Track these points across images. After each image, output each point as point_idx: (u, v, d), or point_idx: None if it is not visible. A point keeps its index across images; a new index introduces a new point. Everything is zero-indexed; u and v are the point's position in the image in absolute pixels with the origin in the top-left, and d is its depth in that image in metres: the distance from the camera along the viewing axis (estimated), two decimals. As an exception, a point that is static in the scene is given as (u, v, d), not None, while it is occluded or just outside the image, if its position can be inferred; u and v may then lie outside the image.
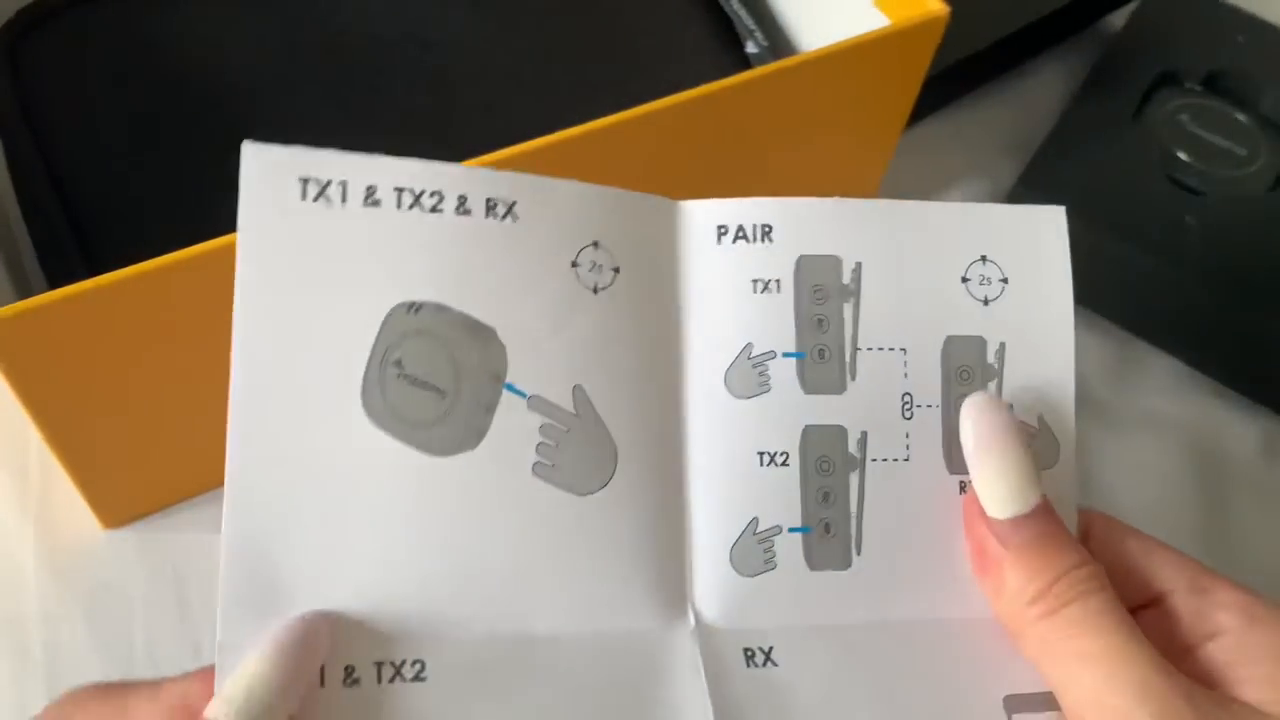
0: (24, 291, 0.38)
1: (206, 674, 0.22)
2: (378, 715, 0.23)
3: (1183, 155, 0.49)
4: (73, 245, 0.38)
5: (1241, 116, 0.51)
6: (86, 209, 0.39)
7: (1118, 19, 0.58)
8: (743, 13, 0.48)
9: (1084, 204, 0.47)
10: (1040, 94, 0.56)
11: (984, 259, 0.27)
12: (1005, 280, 0.27)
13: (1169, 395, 0.47)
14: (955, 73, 0.51)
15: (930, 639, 0.26)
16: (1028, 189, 0.47)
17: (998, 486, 0.25)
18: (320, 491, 0.23)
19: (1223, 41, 0.54)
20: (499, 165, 0.29)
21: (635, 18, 0.48)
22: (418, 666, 0.23)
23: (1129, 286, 0.47)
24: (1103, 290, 0.47)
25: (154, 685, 0.23)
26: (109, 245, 0.38)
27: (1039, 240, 0.27)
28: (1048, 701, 0.25)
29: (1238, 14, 0.56)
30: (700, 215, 0.27)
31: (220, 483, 0.43)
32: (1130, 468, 0.44)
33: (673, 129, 0.36)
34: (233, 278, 0.31)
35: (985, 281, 0.27)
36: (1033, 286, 0.27)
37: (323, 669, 0.23)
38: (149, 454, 0.36)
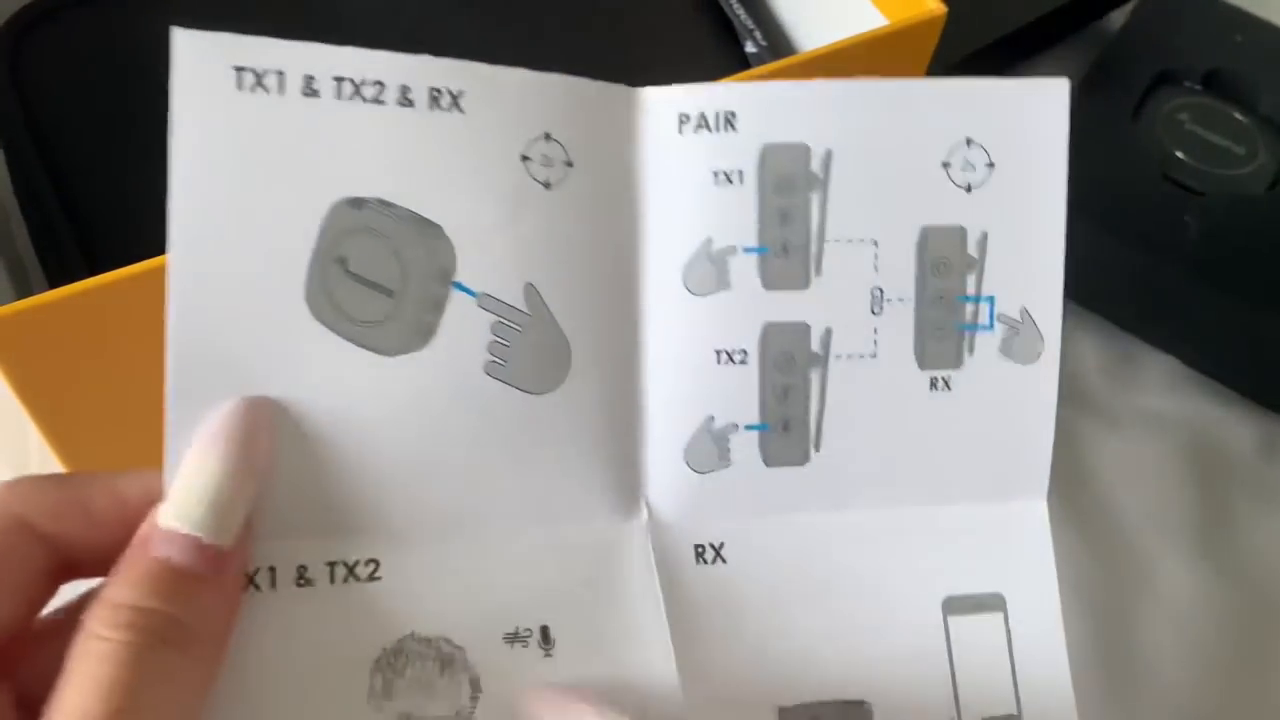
0: (24, 291, 0.38)
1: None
2: (332, 616, 0.23)
3: (1181, 155, 0.49)
4: (72, 245, 0.38)
5: (1240, 116, 0.51)
6: (86, 209, 0.39)
7: (1116, 19, 0.58)
8: (742, 13, 0.48)
9: (1083, 203, 0.47)
10: (1039, 94, 0.56)
11: (969, 141, 0.25)
12: (991, 165, 0.26)
13: (1168, 395, 0.47)
14: (954, 72, 0.51)
15: (879, 534, 0.26)
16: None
17: None
18: (265, 390, 0.22)
19: (1221, 41, 0.54)
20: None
21: (634, 18, 0.48)
22: (372, 566, 0.23)
23: (1128, 286, 0.47)
24: (1102, 290, 0.47)
25: (112, 476, 0.22)
26: (109, 245, 0.38)
27: (1036, 119, 0.26)
28: (986, 603, 0.25)
29: (1237, 14, 0.56)
30: (661, 103, 0.25)
31: (220, 482, 0.42)
32: (1129, 468, 0.44)
33: (672, 128, 0.36)
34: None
35: (968, 166, 0.26)
36: (1023, 170, 0.26)
37: (273, 569, 0.22)
38: (149, 454, 0.36)
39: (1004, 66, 0.56)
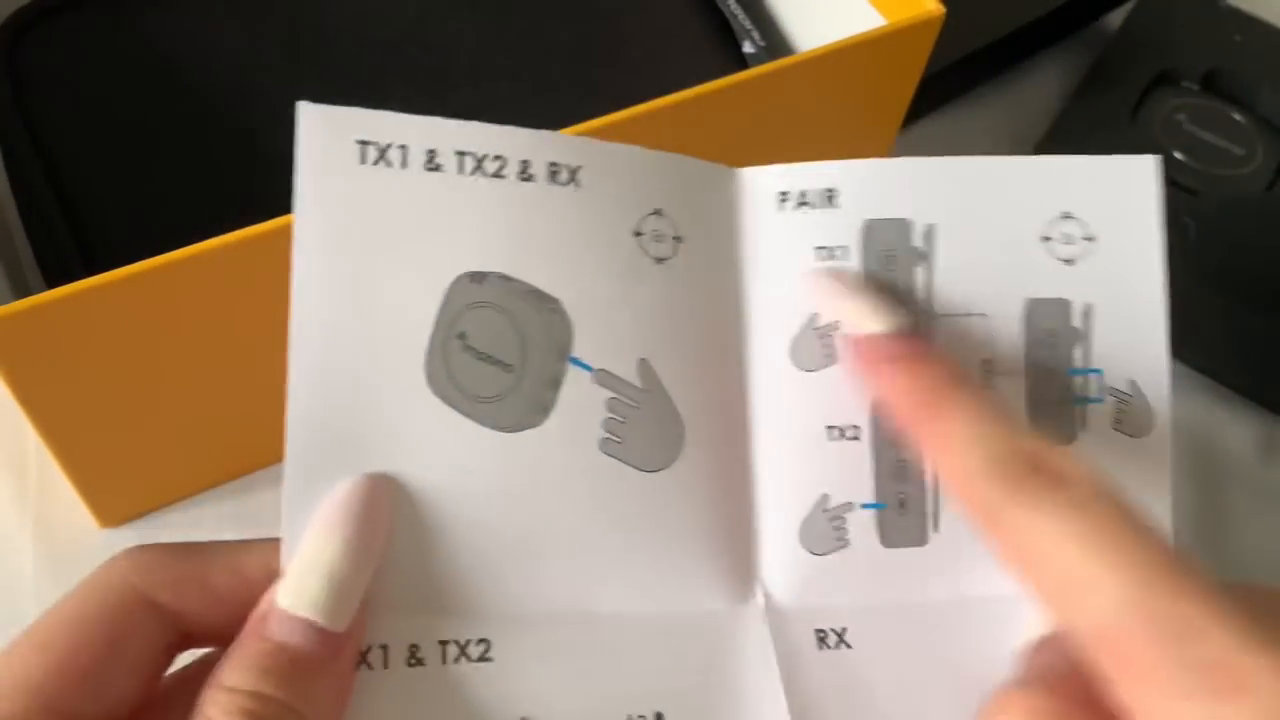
0: (21, 291, 0.38)
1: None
2: (443, 697, 0.22)
3: (1180, 155, 0.49)
4: (70, 244, 0.38)
5: (1239, 116, 0.51)
6: (84, 208, 0.39)
7: (1115, 19, 0.58)
8: (739, 12, 0.48)
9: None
10: (1037, 94, 0.56)
11: (1066, 216, 0.26)
12: (1090, 239, 0.26)
13: (1167, 395, 0.47)
14: (952, 72, 0.51)
15: (1007, 615, 0.25)
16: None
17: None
18: (383, 467, 0.22)
19: (1220, 41, 0.54)
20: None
21: (632, 18, 0.48)
22: (483, 646, 0.23)
23: (1127, 286, 0.47)
24: (1101, 290, 0.47)
25: (233, 549, 0.22)
26: (107, 245, 0.38)
27: (1127, 194, 0.26)
28: None
29: (1236, 14, 0.56)
30: (760, 181, 0.25)
31: (219, 482, 0.43)
32: (1128, 467, 0.44)
33: (669, 129, 0.36)
34: (230, 277, 0.31)
35: (1068, 240, 0.26)
36: (1120, 244, 0.26)
37: (385, 649, 0.22)
38: (147, 453, 0.36)
39: (1004, 66, 0.56)
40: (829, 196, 0.25)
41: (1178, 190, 0.48)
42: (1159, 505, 0.26)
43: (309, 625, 0.20)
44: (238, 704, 0.19)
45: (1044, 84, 0.56)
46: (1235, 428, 0.46)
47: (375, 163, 0.22)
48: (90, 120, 0.41)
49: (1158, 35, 0.54)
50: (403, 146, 0.22)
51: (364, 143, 0.22)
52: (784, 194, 0.25)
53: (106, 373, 0.32)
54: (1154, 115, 0.51)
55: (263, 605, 0.20)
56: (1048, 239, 0.25)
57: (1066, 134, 0.50)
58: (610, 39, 0.47)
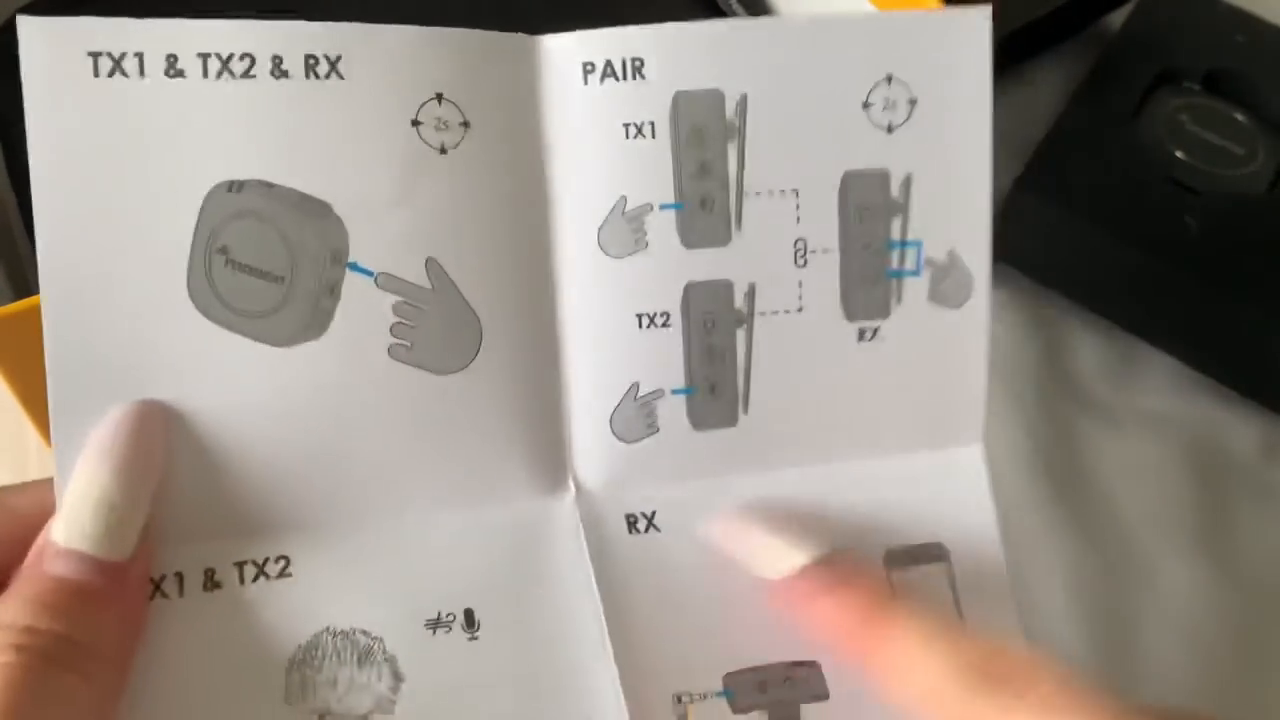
0: (21, 291, 0.38)
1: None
2: (243, 617, 0.22)
3: (1181, 155, 0.49)
4: (71, 245, 0.37)
5: (1240, 116, 0.51)
6: (85, 209, 0.38)
7: (1116, 19, 0.58)
8: (741, 12, 0.48)
9: (1083, 204, 0.47)
10: (1038, 94, 0.56)
11: (890, 79, 0.24)
12: (914, 101, 0.24)
13: (1169, 395, 0.47)
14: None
15: (814, 491, 0.25)
16: (1026, 189, 0.47)
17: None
18: (155, 393, 0.21)
19: (1222, 41, 0.54)
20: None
21: (633, 17, 0.48)
22: (282, 563, 0.22)
23: (1128, 286, 0.47)
24: (1102, 290, 0.47)
25: (7, 490, 0.21)
26: (107, 245, 0.38)
27: (958, 51, 0.25)
28: (930, 554, 0.25)
29: (1237, 14, 0.55)
30: (563, 52, 0.24)
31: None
32: (1130, 468, 0.44)
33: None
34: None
35: (890, 105, 0.24)
36: (946, 106, 0.25)
37: (180, 575, 0.22)
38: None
39: (1003, 67, 0.56)
40: (637, 67, 0.24)
41: (1179, 190, 0.48)
42: (977, 376, 0.26)
43: (85, 557, 0.19)
44: (10, 640, 0.19)
45: (1045, 85, 0.56)
46: (1236, 428, 0.46)
47: (110, 74, 0.21)
48: (91, 120, 0.41)
49: (1159, 35, 0.54)
50: (139, 54, 0.21)
51: (95, 54, 0.21)
52: (589, 65, 0.24)
53: (107, 373, 0.32)
54: (1155, 115, 0.51)
55: (39, 542, 0.20)
56: (868, 105, 0.24)
57: (1068, 135, 0.50)
58: (611, 39, 0.47)
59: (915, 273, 0.25)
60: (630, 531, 0.25)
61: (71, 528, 0.20)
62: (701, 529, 0.25)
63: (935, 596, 0.25)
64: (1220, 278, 0.45)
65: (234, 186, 0.21)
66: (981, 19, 0.24)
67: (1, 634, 0.19)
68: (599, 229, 0.24)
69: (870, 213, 0.25)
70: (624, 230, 0.24)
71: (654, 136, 0.24)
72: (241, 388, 0.22)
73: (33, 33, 0.20)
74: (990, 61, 0.25)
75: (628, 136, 0.24)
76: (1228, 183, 0.48)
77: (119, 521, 0.20)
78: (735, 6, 0.48)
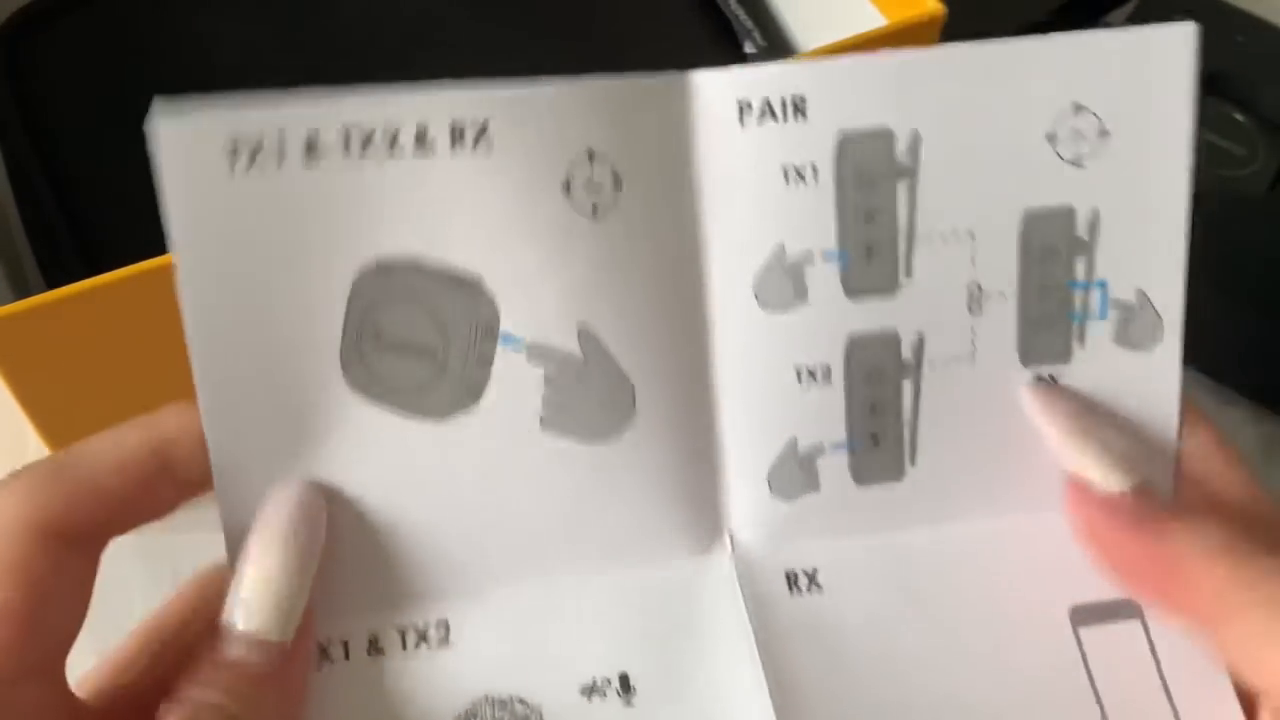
0: (22, 291, 0.38)
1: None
2: (405, 683, 0.22)
3: (1182, 155, 0.49)
4: (70, 245, 0.38)
5: (1240, 117, 0.51)
6: (85, 209, 0.39)
7: (1116, 20, 0.58)
8: (741, 13, 0.48)
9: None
10: (1039, 94, 0.56)
11: (1077, 108, 0.23)
12: (1105, 133, 0.22)
13: (1168, 395, 0.46)
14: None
15: (989, 546, 0.24)
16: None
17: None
18: (315, 474, 0.22)
19: (1222, 41, 0.54)
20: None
21: (633, 18, 0.48)
22: (443, 630, 0.22)
23: (1128, 286, 0.47)
24: (1102, 290, 0.47)
25: (108, 446, 0.22)
26: (107, 245, 0.38)
27: (1155, 75, 0.22)
28: (1120, 610, 0.23)
29: (1237, 14, 0.55)
30: (716, 91, 0.22)
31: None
32: (1129, 468, 0.44)
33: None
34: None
35: (1078, 137, 0.23)
36: (1140, 135, 0.22)
37: (345, 642, 0.22)
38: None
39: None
40: (798, 106, 0.22)
41: (1179, 191, 0.48)
42: (1168, 422, 0.24)
43: (260, 642, 0.21)
44: (188, 714, 0.20)
45: (1045, 84, 0.56)
46: (1235, 428, 0.46)
47: (248, 168, 0.20)
48: (91, 121, 0.41)
49: (1159, 35, 0.54)
50: (278, 138, 0.20)
51: (233, 145, 0.20)
52: (744, 104, 0.22)
53: (107, 373, 0.32)
54: (1155, 115, 0.51)
55: (214, 625, 0.21)
56: (1053, 137, 0.23)
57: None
58: (611, 39, 0.47)
59: (1100, 316, 0.24)
60: (791, 591, 0.23)
61: (246, 615, 0.21)
62: (1020, 393, 0.23)
63: (1131, 659, 0.23)
64: (1220, 278, 0.45)
65: (383, 269, 0.21)
66: (1186, 37, 0.22)
67: (182, 709, 0.20)
68: (755, 280, 0.23)
69: (1052, 253, 0.23)
70: (782, 281, 0.23)
71: (816, 180, 0.22)
72: (400, 462, 0.22)
73: (167, 128, 0.20)
74: (1192, 86, 0.22)
75: (787, 181, 0.22)
76: (1228, 184, 0.48)
77: (285, 606, 0.21)
78: (736, 8, 0.49)
